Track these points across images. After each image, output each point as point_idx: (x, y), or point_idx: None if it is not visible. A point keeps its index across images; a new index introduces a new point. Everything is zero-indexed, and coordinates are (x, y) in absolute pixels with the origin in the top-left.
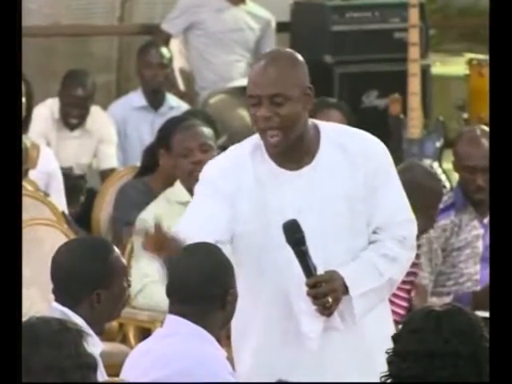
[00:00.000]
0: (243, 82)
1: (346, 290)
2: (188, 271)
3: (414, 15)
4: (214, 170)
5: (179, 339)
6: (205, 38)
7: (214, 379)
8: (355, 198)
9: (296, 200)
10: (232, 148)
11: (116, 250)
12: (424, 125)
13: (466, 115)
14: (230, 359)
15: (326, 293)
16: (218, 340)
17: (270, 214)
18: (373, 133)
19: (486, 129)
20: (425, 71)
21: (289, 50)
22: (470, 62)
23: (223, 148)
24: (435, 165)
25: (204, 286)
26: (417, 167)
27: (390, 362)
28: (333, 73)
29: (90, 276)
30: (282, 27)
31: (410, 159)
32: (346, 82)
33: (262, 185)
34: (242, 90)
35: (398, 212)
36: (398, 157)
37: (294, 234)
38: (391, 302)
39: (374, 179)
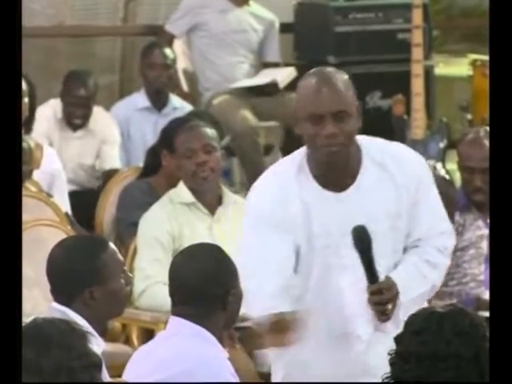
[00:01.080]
0: (246, 82)
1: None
2: (187, 272)
3: (417, 16)
4: (264, 201)
5: (181, 340)
6: (208, 39)
7: (215, 380)
8: (397, 216)
9: (342, 223)
10: (275, 169)
11: (112, 247)
12: (427, 125)
13: (469, 116)
14: (233, 360)
15: (388, 300)
16: (221, 340)
17: (315, 239)
18: (376, 133)
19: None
20: (428, 72)
21: (334, 69)
22: (473, 63)
23: (226, 149)
24: (439, 165)
25: (203, 287)
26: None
27: (392, 364)
28: None
29: (82, 273)
30: (285, 28)
31: None
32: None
33: (308, 208)
34: (245, 91)
35: (437, 223)
36: None
37: (362, 240)
38: None
39: (415, 195)
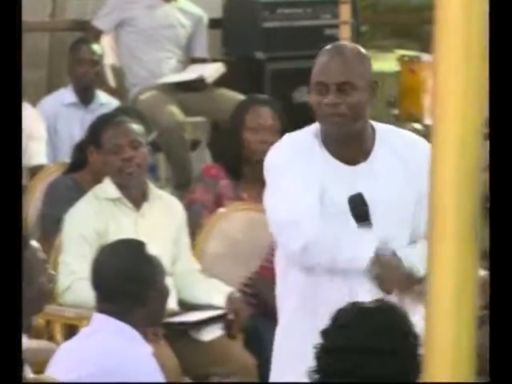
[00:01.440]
0: (174, 78)
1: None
2: (106, 269)
3: (345, 12)
4: (286, 152)
5: (104, 337)
6: (136, 35)
7: (137, 377)
8: (407, 202)
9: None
10: (291, 135)
11: (33, 244)
12: None
13: (396, 111)
14: (158, 356)
15: (387, 275)
16: (145, 336)
17: (325, 204)
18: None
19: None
20: None
21: (353, 44)
22: (400, 59)
23: (153, 144)
24: None
25: (121, 283)
26: None
27: (318, 358)
28: (264, 69)
29: None
30: (213, 24)
31: None
32: (277, 79)
33: (321, 173)
34: (172, 86)
35: None
36: None
37: (357, 207)
38: None
39: (421, 188)
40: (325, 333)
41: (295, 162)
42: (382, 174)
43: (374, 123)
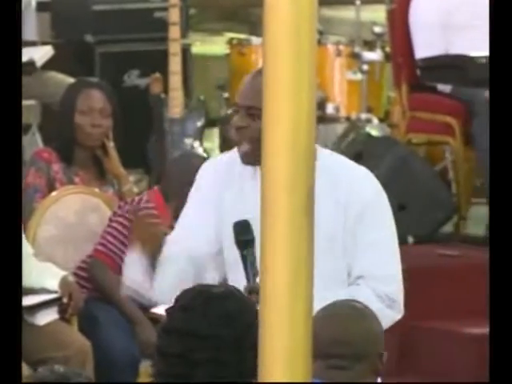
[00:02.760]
0: None
1: None
2: None
3: None
4: (208, 174)
5: None
6: None
7: None
8: (333, 238)
9: None
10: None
11: None
12: (185, 104)
13: (226, 94)
14: None
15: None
16: None
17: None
18: (134, 112)
19: None
20: (185, 51)
21: None
22: (230, 42)
23: None
24: (196, 144)
25: None
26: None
27: (158, 336)
28: (94, 52)
29: None
30: (42, 7)
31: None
32: (108, 62)
33: (244, 194)
34: None
35: (380, 265)
36: (160, 136)
37: (239, 235)
38: None
39: (355, 222)
40: (167, 312)
41: (206, 188)
42: None
43: (319, 150)
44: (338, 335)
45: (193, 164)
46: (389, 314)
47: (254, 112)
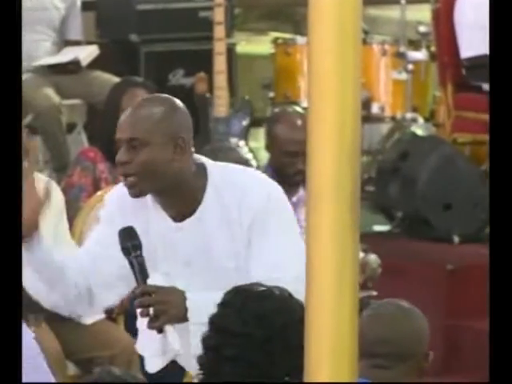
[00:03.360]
0: (48, 60)
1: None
2: None
3: None
4: (114, 204)
5: None
6: None
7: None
8: (238, 255)
9: (182, 252)
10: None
11: None
12: (230, 104)
13: (271, 94)
14: (40, 339)
15: (150, 303)
16: (27, 320)
17: (158, 264)
18: None
19: (299, 109)
20: (230, 50)
21: (164, 96)
22: (275, 41)
23: (29, 127)
24: (241, 143)
25: None
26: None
27: (204, 335)
28: (139, 52)
29: None
30: (87, 6)
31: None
32: (152, 61)
33: (150, 230)
34: (47, 69)
35: (277, 268)
36: (205, 135)
37: (125, 241)
38: None
39: (248, 233)
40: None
41: (113, 217)
42: (208, 230)
43: (209, 168)
44: (383, 334)
45: (228, 157)
46: None
47: (137, 144)
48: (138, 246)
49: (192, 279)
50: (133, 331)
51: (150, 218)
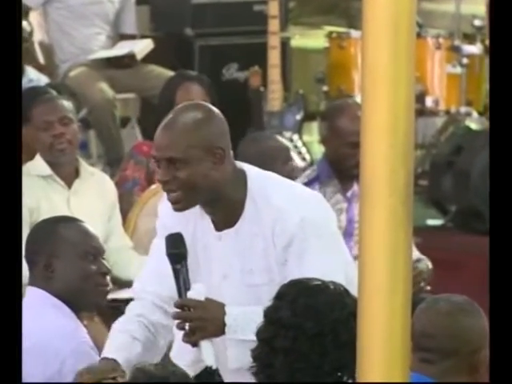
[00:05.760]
0: (103, 54)
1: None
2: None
3: None
4: (166, 214)
5: (38, 312)
6: (64, 11)
7: (71, 354)
8: (270, 270)
9: (220, 264)
10: None
11: None
12: (284, 97)
13: (325, 88)
14: (92, 332)
15: (188, 318)
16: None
17: (199, 272)
18: (233, 105)
19: (358, 101)
20: (284, 44)
21: (197, 103)
22: (329, 35)
23: (83, 121)
24: (295, 137)
25: (27, 252)
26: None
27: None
28: (193, 45)
29: None
30: (141, 0)
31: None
32: (207, 55)
33: (196, 236)
34: (102, 63)
35: None
36: (259, 129)
37: (171, 248)
38: None
39: (283, 253)
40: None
41: (167, 228)
42: (246, 242)
43: (250, 178)
44: (428, 329)
45: (267, 145)
46: None
47: (175, 162)
48: (183, 255)
49: (228, 292)
50: None
51: (197, 224)
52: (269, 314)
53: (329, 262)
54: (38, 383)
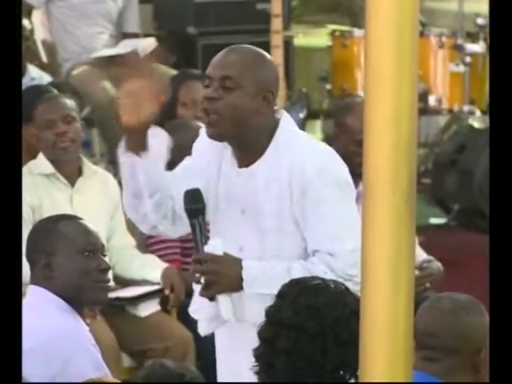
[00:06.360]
0: (106, 52)
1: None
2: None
3: None
4: (205, 140)
5: (40, 311)
6: (67, 10)
7: (74, 352)
8: (280, 215)
9: (237, 201)
10: None
11: None
12: (287, 96)
13: (328, 86)
14: (95, 331)
15: (203, 272)
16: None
17: (219, 206)
18: None
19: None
20: (287, 43)
21: (257, 48)
22: (332, 34)
23: (86, 119)
24: None
25: (28, 251)
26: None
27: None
28: (196, 44)
29: None
30: None
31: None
32: (210, 53)
33: (219, 169)
34: (104, 61)
35: (333, 240)
36: None
37: (189, 204)
38: None
39: (300, 199)
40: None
41: (203, 151)
42: (260, 184)
43: (282, 127)
44: (430, 327)
45: (189, 134)
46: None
47: (229, 84)
48: (201, 210)
49: (246, 228)
50: (188, 323)
51: (224, 157)
52: (270, 314)
53: (345, 213)
54: (41, 383)
